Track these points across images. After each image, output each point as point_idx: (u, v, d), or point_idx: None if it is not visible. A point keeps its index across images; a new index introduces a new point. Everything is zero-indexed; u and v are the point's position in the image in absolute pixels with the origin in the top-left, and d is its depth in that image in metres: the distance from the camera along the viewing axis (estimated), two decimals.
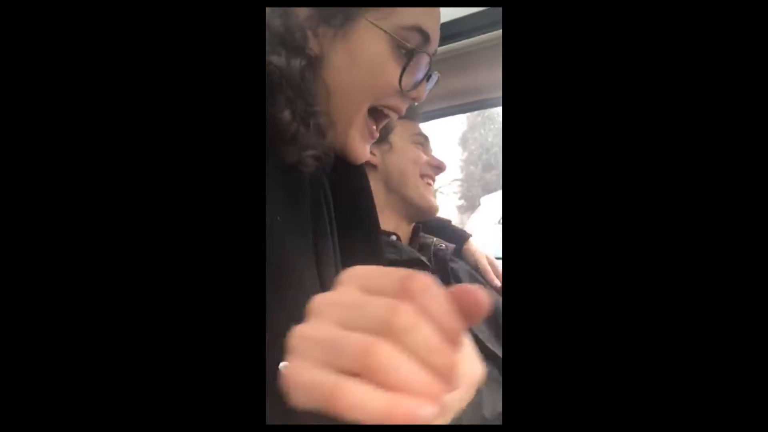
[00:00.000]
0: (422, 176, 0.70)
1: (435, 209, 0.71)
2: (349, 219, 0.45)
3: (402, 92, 0.42)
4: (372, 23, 0.40)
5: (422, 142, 0.72)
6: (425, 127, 0.86)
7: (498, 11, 0.74)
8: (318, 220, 0.40)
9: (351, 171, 0.48)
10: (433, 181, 0.72)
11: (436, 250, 0.71)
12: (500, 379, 0.57)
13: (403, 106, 0.45)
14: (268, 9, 0.39)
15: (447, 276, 0.68)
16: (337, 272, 0.35)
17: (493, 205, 3.29)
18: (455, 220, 1.03)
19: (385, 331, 0.17)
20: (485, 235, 2.87)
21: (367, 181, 0.50)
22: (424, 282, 0.18)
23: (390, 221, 0.69)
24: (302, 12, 0.41)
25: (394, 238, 0.68)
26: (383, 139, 0.68)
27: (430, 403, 0.17)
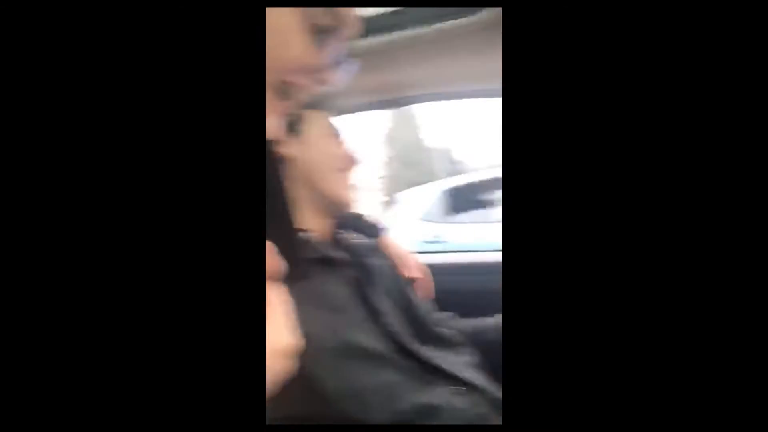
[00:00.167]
0: (337, 170, 0.68)
1: (350, 203, 0.70)
2: None
3: (308, 71, 0.40)
4: None
5: (336, 134, 0.70)
6: (344, 120, 0.84)
7: (421, 10, 0.74)
8: None
9: None
10: (349, 174, 0.70)
11: (353, 245, 0.70)
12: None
13: (310, 87, 0.43)
14: None
15: (365, 271, 0.67)
16: None
17: (411, 200, 3.38)
18: (379, 216, 1.03)
19: None
20: (404, 230, 2.94)
21: (281, 174, 0.47)
22: None
23: (306, 217, 0.66)
24: None
25: (309, 235, 0.65)
26: (295, 130, 0.65)
27: None
